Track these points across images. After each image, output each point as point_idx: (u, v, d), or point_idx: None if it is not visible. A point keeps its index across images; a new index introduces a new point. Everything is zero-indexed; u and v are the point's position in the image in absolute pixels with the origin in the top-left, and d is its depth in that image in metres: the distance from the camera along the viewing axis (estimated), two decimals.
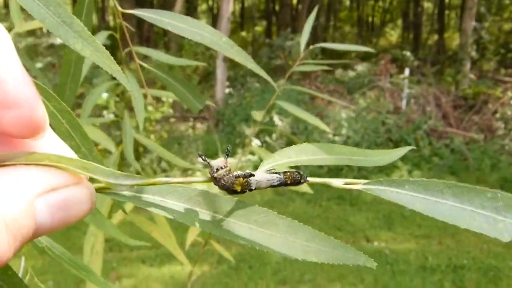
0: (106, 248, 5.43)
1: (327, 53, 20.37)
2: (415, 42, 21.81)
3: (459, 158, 8.45)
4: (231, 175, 0.50)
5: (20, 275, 0.92)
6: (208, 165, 0.50)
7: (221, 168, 0.50)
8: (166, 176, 5.56)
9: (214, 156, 8.26)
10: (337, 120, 9.02)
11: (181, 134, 9.46)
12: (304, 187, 1.94)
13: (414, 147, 0.76)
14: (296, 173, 0.54)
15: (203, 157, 0.51)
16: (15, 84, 0.38)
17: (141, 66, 1.27)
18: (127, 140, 1.40)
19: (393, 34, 28.63)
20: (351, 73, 13.16)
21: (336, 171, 7.80)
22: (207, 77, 12.95)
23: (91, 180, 0.45)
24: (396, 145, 8.55)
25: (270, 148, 8.15)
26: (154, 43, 16.12)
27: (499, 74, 12.67)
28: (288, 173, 0.54)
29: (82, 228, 5.62)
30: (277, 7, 23.40)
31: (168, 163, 7.91)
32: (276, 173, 0.53)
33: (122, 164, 1.61)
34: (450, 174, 8.03)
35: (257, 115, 1.97)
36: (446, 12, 25.37)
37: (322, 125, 1.86)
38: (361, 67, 13.13)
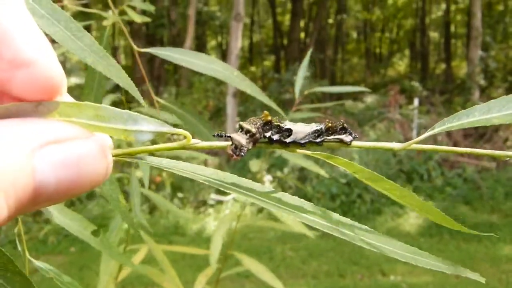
0: None
1: (336, 85, 20.37)
2: (423, 71, 21.88)
3: (472, 187, 8.40)
4: (256, 122, 0.49)
5: None
6: (230, 139, 0.48)
7: (243, 129, 0.48)
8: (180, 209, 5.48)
9: (226, 192, 8.25)
10: (348, 152, 9.01)
11: None
12: (308, 232, 1.96)
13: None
14: (340, 123, 0.53)
15: (223, 134, 0.50)
16: (26, 39, 0.34)
17: (157, 101, 1.30)
18: (135, 196, 1.42)
19: (401, 64, 28.73)
20: (360, 105, 13.19)
21: (348, 204, 7.77)
22: (218, 113, 13.02)
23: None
24: (408, 176, 8.54)
25: (282, 183, 8.14)
26: (165, 81, 16.26)
27: None
28: (330, 122, 0.52)
29: (94, 268, 5.62)
30: (285, 42, 23.59)
31: (181, 200, 7.92)
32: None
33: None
34: (464, 204, 7.98)
35: (254, 165, 2.00)
36: (452, 41, 25.48)
37: (322, 172, 1.90)
38: (370, 99, 13.17)
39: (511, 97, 0.48)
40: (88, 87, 1.09)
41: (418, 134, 10.10)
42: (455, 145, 9.69)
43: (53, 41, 0.57)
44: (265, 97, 1.11)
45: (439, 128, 0.51)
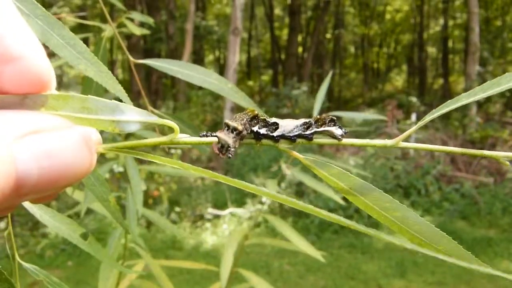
0: None
1: (334, 100, 20.46)
2: (421, 86, 21.91)
3: (469, 202, 8.39)
4: (242, 118, 0.49)
5: None
6: (217, 137, 0.49)
7: (229, 127, 0.48)
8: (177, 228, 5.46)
9: (223, 206, 8.24)
10: (346, 168, 9.00)
11: (190, 185, 9.47)
12: (315, 253, 1.94)
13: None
14: (330, 118, 0.52)
15: (209, 134, 0.50)
16: (14, 35, 0.34)
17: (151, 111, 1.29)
18: (131, 212, 1.41)
19: (398, 79, 28.77)
20: (358, 120, 13.22)
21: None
22: (215, 127, 13.03)
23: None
24: (406, 191, 8.53)
25: None
26: (162, 95, 16.29)
27: (505, 117, 12.69)
28: (319, 117, 0.52)
29: (91, 282, 5.58)
30: (283, 56, 23.63)
31: (178, 214, 7.91)
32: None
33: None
34: (461, 219, 7.97)
35: (271, 183, 2.01)
36: (450, 56, 25.55)
37: (328, 192, 1.88)
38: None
39: (505, 75, 0.50)
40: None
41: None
42: (452, 160, 9.70)
43: (51, 54, 0.57)
44: (260, 110, 1.11)
45: (430, 116, 0.53)
